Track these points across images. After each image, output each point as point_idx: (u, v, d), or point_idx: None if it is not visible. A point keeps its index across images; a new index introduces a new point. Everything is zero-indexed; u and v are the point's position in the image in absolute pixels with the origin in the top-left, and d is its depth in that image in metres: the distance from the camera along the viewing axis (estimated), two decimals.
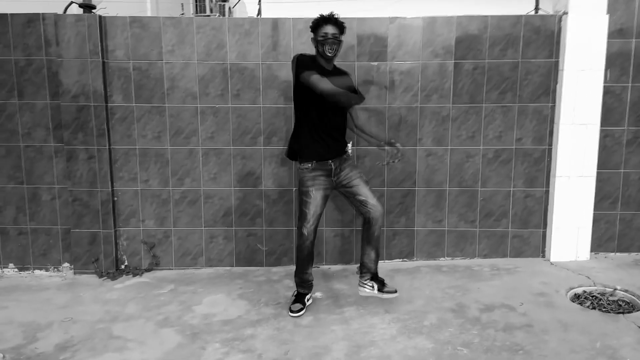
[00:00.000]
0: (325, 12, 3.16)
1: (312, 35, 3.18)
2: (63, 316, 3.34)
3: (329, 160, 3.20)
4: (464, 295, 3.54)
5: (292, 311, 3.24)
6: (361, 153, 4.11)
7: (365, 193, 3.24)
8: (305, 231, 3.20)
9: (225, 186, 4.12)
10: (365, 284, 3.38)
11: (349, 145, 3.98)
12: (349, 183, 3.25)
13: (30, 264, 4.17)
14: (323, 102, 3.06)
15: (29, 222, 4.11)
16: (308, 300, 3.38)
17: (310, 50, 3.96)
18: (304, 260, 3.29)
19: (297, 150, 3.24)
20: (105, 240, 4.07)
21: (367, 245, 3.33)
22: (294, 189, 4.12)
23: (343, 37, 3.17)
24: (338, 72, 3.25)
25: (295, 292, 3.40)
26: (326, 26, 3.07)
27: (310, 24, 3.17)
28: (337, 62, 3.95)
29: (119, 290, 3.79)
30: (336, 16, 3.13)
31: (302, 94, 3.12)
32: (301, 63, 3.06)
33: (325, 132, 3.18)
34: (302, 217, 3.22)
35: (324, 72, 3.09)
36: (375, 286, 3.36)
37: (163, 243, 4.18)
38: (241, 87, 4.02)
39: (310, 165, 3.19)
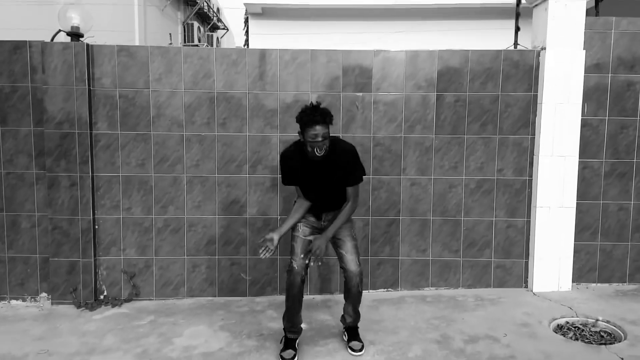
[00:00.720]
0: (310, 103, 2.92)
1: (298, 129, 2.91)
2: (39, 348, 3.24)
3: (319, 219, 3.19)
4: (448, 326, 3.52)
5: (283, 358, 3.01)
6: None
7: (347, 248, 3.09)
8: (295, 265, 3.02)
9: (209, 214, 4.10)
10: (344, 332, 3.33)
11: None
12: (338, 234, 3.11)
13: (7, 293, 4.05)
14: (308, 194, 3.11)
15: (7, 250, 4.02)
16: (297, 345, 3.17)
17: (297, 79, 4.04)
18: (295, 300, 3.07)
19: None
20: (85, 270, 3.99)
21: (345, 298, 3.21)
22: (279, 217, 4.11)
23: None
24: (327, 160, 2.96)
25: (283, 338, 3.19)
26: (315, 127, 2.80)
27: (297, 117, 2.88)
28: (325, 93, 4.03)
29: (97, 321, 3.70)
30: (322, 107, 2.89)
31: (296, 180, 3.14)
32: (283, 166, 3.07)
33: (313, 205, 3.15)
34: (291, 251, 3.11)
35: (311, 163, 2.96)
36: (347, 337, 3.26)
37: (144, 272, 4.11)
38: (227, 116, 4.05)
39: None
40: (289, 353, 3.05)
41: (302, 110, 2.87)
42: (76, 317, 3.76)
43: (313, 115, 2.82)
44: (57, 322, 3.66)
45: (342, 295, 3.23)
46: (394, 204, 4.18)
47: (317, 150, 2.85)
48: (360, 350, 3.13)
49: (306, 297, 4.13)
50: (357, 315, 3.25)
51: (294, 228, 3.14)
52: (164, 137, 4.04)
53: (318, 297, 4.14)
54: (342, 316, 3.29)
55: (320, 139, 2.82)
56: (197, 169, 4.07)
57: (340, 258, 3.12)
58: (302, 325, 3.37)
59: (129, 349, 3.21)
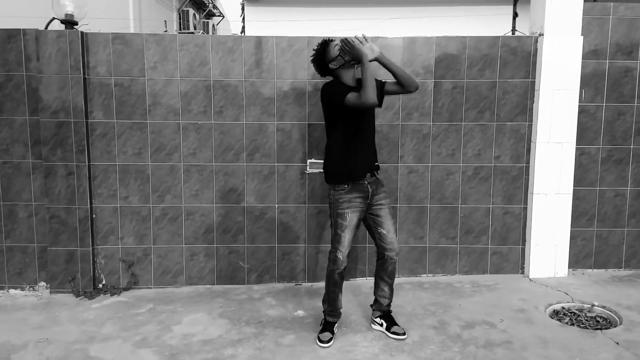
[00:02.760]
0: (322, 37, 3.17)
1: (322, 63, 3.11)
2: (38, 337, 3.26)
3: (363, 179, 3.09)
4: (445, 312, 3.55)
5: (321, 340, 3.07)
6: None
7: (388, 227, 3.13)
8: (340, 256, 3.06)
9: (207, 203, 4.10)
10: (375, 320, 3.29)
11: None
12: (377, 211, 3.14)
13: (5, 282, 4.06)
14: (355, 119, 3.06)
15: (4, 239, 4.02)
16: (336, 329, 3.22)
17: (294, 67, 4.02)
18: (337, 287, 3.14)
19: (330, 172, 3.14)
20: (83, 259, 4.00)
21: (380, 281, 3.22)
22: (277, 205, 4.12)
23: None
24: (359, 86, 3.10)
25: (323, 321, 3.25)
26: (332, 41, 3.10)
27: (314, 58, 3.13)
28: (322, 80, 4.01)
29: (96, 309, 3.71)
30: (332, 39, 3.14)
31: (335, 117, 3.09)
32: (331, 92, 3.05)
33: (355, 148, 3.08)
34: (337, 240, 3.08)
35: (352, 89, 3.04)
36: (385, 324, 3.22)
37: (142, 261, 4.12)
38: (224, 104, 4.03)
39: (346, 186, 3.07)
40: (326, 335, 3.10)
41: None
42: (75, 306, 3.77)
43: (325, 40, 3.11)
44: (56, 311, 3.68)
45: (362, 280, 3.23)
46: (391, 192, 4.18)
47: (343, 55, 2.99)
48: (404, 334, 3.14)
49: (305, 285, 4.16)
50: (391, 297, 3.28)
51: (342, 216, 3.07)
52: (160, 126, 4.02)
53: (316, 284, 4.16)
54: (375, 302, 3.27)
55: (339, 45, 3.01)
56: (194, 157, 4.06)
57: (381, 237, 3.13)
58: (300, 312, 3.39)
59: (128, 337, 3.23)
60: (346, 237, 3.07)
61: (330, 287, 3.15)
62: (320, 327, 3.23)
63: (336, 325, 3.23)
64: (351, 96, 2.97)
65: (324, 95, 3.10)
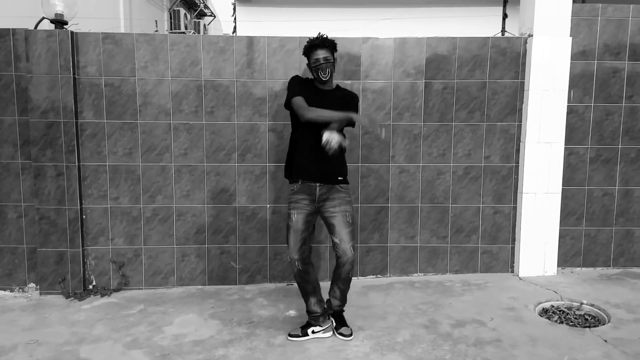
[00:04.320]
0: (315, 35, 3.11)
1: (306, 61, 3.15)
2: (28, 338, 3.23)
3: (315, 182, 3.05)
4: (436, 311, 3.57)
5: (289, 335, 3.16)
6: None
7: (341, 236, 3.04)
8: (289, 257, 3.08)
9: (198, 203, 4.09)
10: (329, 317, 3.28)
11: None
12: (330, 218, 3.07)
13: None
14: (313, 125, 3.01)
15: None
16: (314, 332, 3.17)
17: (286, 67, 4.02)
18: (302, 289, 3.15)
19: (286, 166, 3.19)
20: (73, 260, 3.97)
21: (333, 283, 3.21)
22: (268, 205, 4.12)
23: (336, 55, 3.13)
24: (334, 93, 3.14)
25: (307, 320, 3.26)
26: (317, 51, 3.02)
27: (303, 51, 3.13)
28: None
29: (86, 311, 3.69)
30: (325, 36, 3.09)
31: (293, 115, 3.11)
32: (290, 86, 3.08)
33: (314, 152, 3.01)
34: (287, 241, 3.10)
35: (319, 94, 3.06)
36: (334, 324, 3.23)
37: (133, 262, 4.10)
38: (215, 104, 4.02)
39: (295, 186, 3.09)
40: (296, 330, 3.18)
41: (309, 40, 3.08)
42: (65, 307, 3.75)
43: (314, 40, 3.05)
44: (46, 312, 3.65)
45: (330, 281, 3.25)
46: (382, 192, 4.20)
47: (321, 73, 3.02)
48: (350, 335, 3.16)
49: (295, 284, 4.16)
50: (344, 301, 3.27)
51: (288, 216, 3.08)
52: (151, 126, 4.01)
53: None
54: (328, 300, 3.27)
55: (322, 61, 3.01)
56: (185, 157, 4.05)
57: (334, 244, 3.09)
58: (291, 312, 3.39)
59: (119, 338, 3.22)
60: (292, 238, 3.05)
61: (299, 289, 3.19)
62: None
63: (313, 329, 3.18)
64: (298, 101, 2.98)
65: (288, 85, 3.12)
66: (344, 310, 3.31)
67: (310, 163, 3.06)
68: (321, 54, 3.02)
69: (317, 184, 3.06)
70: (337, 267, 3.14)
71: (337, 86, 3.24)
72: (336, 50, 3.12)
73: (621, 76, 4.23)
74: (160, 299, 3.89)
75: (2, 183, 3.95)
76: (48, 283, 3.98)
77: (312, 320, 3.21)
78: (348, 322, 3.27)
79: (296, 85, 3.08)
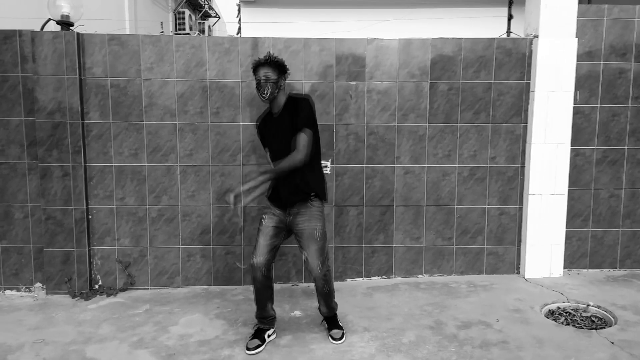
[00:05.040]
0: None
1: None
2: (34, 338, 3.25)
3: (280, 208, 3.07)
4: (441, 312, 3.57)
5: (247, 348, 3.00)
6: (340, 170, 4.14)
7: (309, 252, 3.00)
8: (254, 261, 3.00)
9: (203, 204, 4.10)
10: (323, 321, 3.32)
11: (328, 163, 4.02)
12: (300, 233, 3.03)
13: (1, 283, 4.05)
14: (273, 155, 3.10)
15: (0, 240, 4.01)
16: (269, 336, 3.16)
17: (291, 68, 4.02)
18: (259, 294, 3.09)
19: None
20: (79, 260, 3.99)
21: (317, 295, 3.19)
22: None
23: (287, 76, 3.05)
24: (283, 116, 3.04)
25: (256, 327, 3.18)
26: (257, 70, 2.96)
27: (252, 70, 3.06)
28: (318, 82, 4.02)
29: (92, 310, 3.70)
30: (268, 56, 2.99)
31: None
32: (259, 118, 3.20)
33: (275, 182, 3.05)
34: (254, 245, 3.06)
35: (272, 124, 3.07)
36: (327, 326, 3.25)
37: (139, 262, 4.11)
38: (220, 105, 4.03)
39: (267, 193, 3.15)
40: (253, 342, 3.04)
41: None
42: (71, 307, 3.76)
43: (258, 60, 3.00)
44: (52, 312, 3.67)
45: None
46: (387, 193, 4.20)
47: (261, 92, 2.97)
48: (341, 338, 3.13)
49: (302, 285, 4.17)
50: (331, 309, 3.23)
51: (260, 220, 3.08)
52: (156, 127, 4.02)
53: (313, 285, 4.16)
54: (318, 307, 3.27)
55: (263, 79, 2.94)
56: (191, 158, 4.06)
57: (305, 260, 3.05)
58: (297, 313, 3.37)
59: (125, 338, 3.23)
60: (260, 241, 3.02)
61: (255, 295, 3.11)
62: (251, 333, 3.16)
63: (269, 332, 3.15)
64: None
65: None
66: (335, 315, 3.28)
67: (275, 191, 3.08)
68: (262, 71, 2.94)
69: (286, 206, 3.08)
70: (314, 281, 3.10)
71: (289, 98, 3.05)
72: (284, 71, 3.00)
73: (627, 77, 4.21)
74: (165, 299, 3.90)
75: (9, 183, 3.97)
76: (54, 283, 3.99)
77: (267, 324, 3.16)
78: (353, 324, 3.26)
79: (258, 131, 3.24)
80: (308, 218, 3.02)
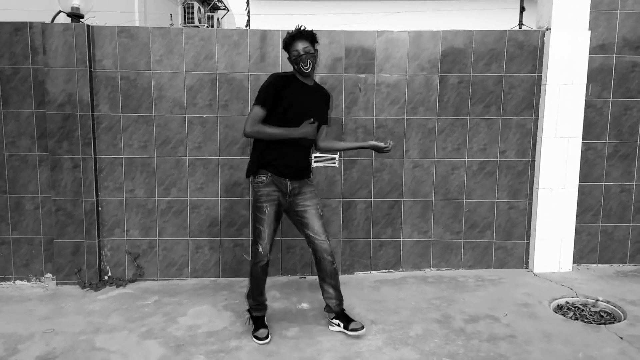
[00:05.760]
0: (293, 28, 3.00)
1: (287, 55, 3.05)
2: (45, 327, 3.29)
3: (286, 177, 3.03)
4: (449, 306, 3.56)
5: (259, 338, 3.01)
6: (348, 164, 4.13)
7: (315, 229, 3.03)
8: (261, 249, 3.02)
9: (212, 196, 4.12)
10: (332, 322, 3.19)
11: (336, 157, 4.01)
12: (302, 212, 3.05)
13: (12, 274, 4.10)
14: (283, 118, 2.98)
15: (11, 231, 4.06)
16: (267, 321, 3.21)
17: None
18: (260, 280, 3.12)
19: (253, 162, 3.06)
20: (89, 251, 4.02)
21: (322, 282, 3.14)
22: None
23: (318, 47, 3.06)
24: (314, 91, 3.11)
25: (250, 319, 3.19)
26: (295, 43, 2.94)
27: (282, 45, 3.05)
28: (327, 75, 4.01)
29: (102, 301, 3.74)
30: (303, 28, 2.98)
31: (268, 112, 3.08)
32: (262, 89, 2.98)
33: (288, 148, 3.01)
34: (257, 234, 3.04)
35: (303, 90, 3.03)
36: (342, 324, 3.12)
37: (148, 253, 4.14)
38: (229, 98, 4.03)
39: (265, 178, 3.01)
40: (262, 332, 3.05)
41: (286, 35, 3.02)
42: (81, 297, 3.80)
43: (292, 32, 2.98)
44: (62, 302, 3.71)
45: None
46: (396, 186, 4.19)
47: (302, 65, 2.95)
48: (362, 327, 3.07)
49: (309, 278, 4.18)
50: (341, 298, 3.17)
51: (260, 210, 3.02)
52: (166, 119, 4.03)
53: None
54: (326, 306, 3.21)
55: (302, 52, 2.94)
56: (200, 151, 4.07)
57: (309, 238, 3.05)
58: (304, 305, 3.39)
59: (134, 328, 3.26)
60: (266, 230, 3.02)
61: (253, 282, 3.12)
62: (252, 327, 3.15)
63: (265, 318, 3.20)
64: (254, 111, 2.97)
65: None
66: (344, 309, 3.22)
67: (281, 159, 3.01)
68: (300, 45, 2.94)
69: (288, 180, 3.04)
70: (318, 264, 3.07)
71: (315, 82, 3.16)
72: (317, 42, 3.03)
73: None
74: (174, 290, 3.93)
75: (19, 175, 4.01)
76: (64, 273, 4.04)
77: (263, 310, 3.22)
78: (360, 317, 3.26)
79: (269, 92, 2.95)
80: (310, 196, 3.11)
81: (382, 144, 3.06)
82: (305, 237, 3.13)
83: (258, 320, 3.17)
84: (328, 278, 3.12)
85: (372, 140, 3.90)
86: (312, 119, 2.98)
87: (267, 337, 3.04)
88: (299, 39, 2.95)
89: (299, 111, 2.99)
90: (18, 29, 3.88)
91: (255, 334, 3.07)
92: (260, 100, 2.97)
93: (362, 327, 3.08)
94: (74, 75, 3.87)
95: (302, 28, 2.99)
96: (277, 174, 3.03)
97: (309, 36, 2.98)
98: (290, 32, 3.00)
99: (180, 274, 4.18)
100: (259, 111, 2.97)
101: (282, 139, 2.98)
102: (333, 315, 3.20)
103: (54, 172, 3.94)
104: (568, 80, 4.05)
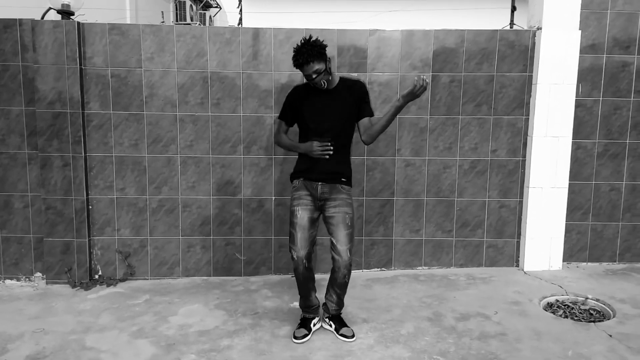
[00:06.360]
0: (301, 40, 2.85)
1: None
2: (34, 327, 3.26)
3: (315, 181, 3.01)
4: (440, 304, 3.58)
5: (295, 337, 3.03)
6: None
7: (338, 238, 2.95)
8: (294, 255, 2.95)
9: (203, 195, 4.10)
10: (326, 321, 3.21)
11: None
12: (330, 219, 2.99)
13: (1, 273, 4.06)
14: (309, 124, 3.00)
15: (0, 230, 4.02)
16: (315, 325, 3.17)
17: (288, 57, 4.00)
18: (302, 285, 3.08)
19: (294, 167, 3.13)
20: (79, 250, 4.00)
21: (330, 287, 3.13)
22: (273, 197, 4.13)
23: (328, 55, 2.94)
24: (336, 93, 3.00)
25: (302, 316, 3.21)
26: (304, 68, 2.83)
27: (292, 61, 2.89)
28: None
29: (92, 300, 3.72)
30: (308, 47, 2.80)
31: (297, 120, 3.12)
32: (284, 101, 3.10)
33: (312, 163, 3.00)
34: (290, 239, 3.01)
35: (321, 97, 2.98)
36: (334, 326, 3.14)
37: (139, 252, 4.12)
38: (221, 96, 4.02)
39: (297, 182, 3.06)
40: (300, 331, 3.07)
41: (294, 51, 2.86)
42: (71, 297, 3.78)
43: (297, 58, 2.83)
44: (52, 302, 3.68)
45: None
46: (388, 185, 4.19)
47: (317, 86, 2.92)
48: (352, 336, 3.07)
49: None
50: (341, 305, 3.18)
51: (293, 214, 3.01)
52: (157, 117, 4.01)
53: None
54: (324, 304, 3.21)
55: (314, 76, 2.85)
56: (191, 149, 4.06)
57: (332, 246, 3.01)
58: (296, 304, 3.40)
59: (124, 328, 3.24)
60: (297, 234, 2.96)
61: (297, 284, 3.11)
62: (298, 323, 3.19)
63: (314, 322, 3.18)
64: (277, 124, 3.16)
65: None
66: (341, 314, 3.23)
67: (311, 165, 3.01)
68: (310, 69, 2.82)
69: (319, 183, 3.01)
70: (332, 271, 3.06)
71: (341, 79, 3.04)
72: (325, 52, 2.86)
73: (630, 70, 4.19)
74: (165, 289, 3.91)
75: (9, 173, 3.97)
76: (54, 272, 4.00)
77: (311, 313, 3.18)
78: (352, 316, 3.27)
79: (284, 105, 3.10)
80: (339, 204, 3.00)
81: (413, 88, 2.78)
82: (330, 242, 3.04)
83: (305, 320, 3.17)
84: (336, 287, 3.09)
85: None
86: (329, 141, 2.93)
87: (302, 337, 3.04)
88: (307, 65, 2.82)
89: (315, 119, 2.99)
90: (7, 26, 3.84)
91: (295, 331, 3.09)
92: (281, 112, 3.15)
93: (353, 336, 3.07)
94: (64, 72, 3.83)
95: (306, 45, 2.81)
96: (308, 178, 3.04)
97: (316, 55, 2.81)
98: (295, 53, 2.83)
99: (171, 273, 4.16)
100: (278, 122, 3.17)
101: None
102: (328, 315, 3.21)
103: (44, 171, 3.91)
104: (558, 80, 4.08)
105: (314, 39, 2.87)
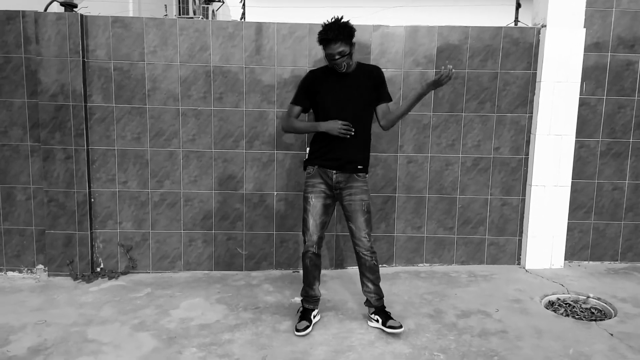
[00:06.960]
0: (329, 19, 2.89)
1: (318, 47, 2.99)
2: (36, 319, 3.27)
3: (330, 169, 3.03)
4: (441, 301, 3.58)
5: (297, 330, 3.04)
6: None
7: (357, 224, 3.02)
8: (306, 239, 3.04)
9: (205, 189, 4.10)
10: (371, 317, 3.19)
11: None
12: (348, 206, 3.04)
13: (3, 265, 4.07)
14: (328, 110, 3.01)
15: (2, 222, 4.02)
16: (314, 317, 3.17)
17: (295, 54, 3.99)
18: (308, 272, 3.12)
19: (308, 154, 3.15)
20: (81, 242, 4.00)
21: (362, 277, 3.15)
22: (275, 193, 4.12)
23: (354, 40, 2.95)
24: (354, 78, 3.02)
25: (301, 308, 3.23)
26: (330, 45, 2.83)
27: (317, 37, 2.91)
28: None
29: (94, 293, 3.72)
30: (338, 25, 2.83)
31: (314, 106, 3.13)
32: (299, 85, 3.12)
33: (333, 140, 2.99)
34: (304, 224, 3.07)
35: (339, 81, 2.99)
36: (380, 320, 3.11)
37: (140, 246, 4.13)
38: (224, 90, 4.01)
39: (312, 170, 3.08)
40: (302, 324, 3.07)
41: (321, 27, 2.88)
42: (73, 289, 3.79)
43: (326, 33, 2.82)
44: (54, 294, 3.69)
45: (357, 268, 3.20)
46: (390, 181, 4.19)
47: (336, 68, 2.91)
48: (400, 326, 3.02)
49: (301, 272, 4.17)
50: (380, 293, 3.17)
51: (306, 200, 3.05)
52: (159, 111, 4.00)
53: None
54: (366, 301, 3.22)
55: (337, 57, 2.85)
56: (193, 143, 4.05)
57: (352, 233, 3.06)
58: (297, 299, 3.40)
59: (126, 320, 3.25)
60: (310, 221, 3.03)
61: (303, 272, 3.15)
62: (298, 315, 3.19)
63: (314, 313, 3.18)
64: (288, 108, 3.20)
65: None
66: (385, 306, 3.20)
67: (327, 150, 3.03)
68: (334, 48, 2.82)
69: (334, 171, 3.04)
70: (358, 259, 3.11)
71: (358, 64, 3.07)
72: (353, 37, 2.91)
73: (634, 69, 4.17)
74: (167, 283, 3.92)
75: (11, 165, 3.97)
76: (56, 265, 4.01)
77: (312, 304, 3.19)
78: (352, 312, 3.27)
79: (299, 89, 3.14)
80: (357, 191, 3.04)
81: (440, 76, 2.78)
82: (348, 230, 3.11)
83: (305, 312, 3.18)
84: (367, 273, 3.12)
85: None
86: (352, 130, 2.93)
87: (304, 330, 3.04)
88: (334, 41, 2.81)
89: (334, 103, 3.00)
90: (10, 18, 3.83)
91: (296, 324, 3.10)
92: (295, 97, 3.13)
93: (400, 326, 3.03)
94: (66, 65, 3.83)
95: (337, 23, 2.83)
96: (323, 166, 3.05)
97: (345, 35, 2.83)
98: (325, 28, 2.84)
99: (173, 266, 4.17)
100: (290, 107, 3.17)
101: (323, 132, 3.00)
102: (373, 310, 3.20)
103: (46, 163, 3.91)
104: (562, 78, 4.06)
105: (345, 20, 2.89)
